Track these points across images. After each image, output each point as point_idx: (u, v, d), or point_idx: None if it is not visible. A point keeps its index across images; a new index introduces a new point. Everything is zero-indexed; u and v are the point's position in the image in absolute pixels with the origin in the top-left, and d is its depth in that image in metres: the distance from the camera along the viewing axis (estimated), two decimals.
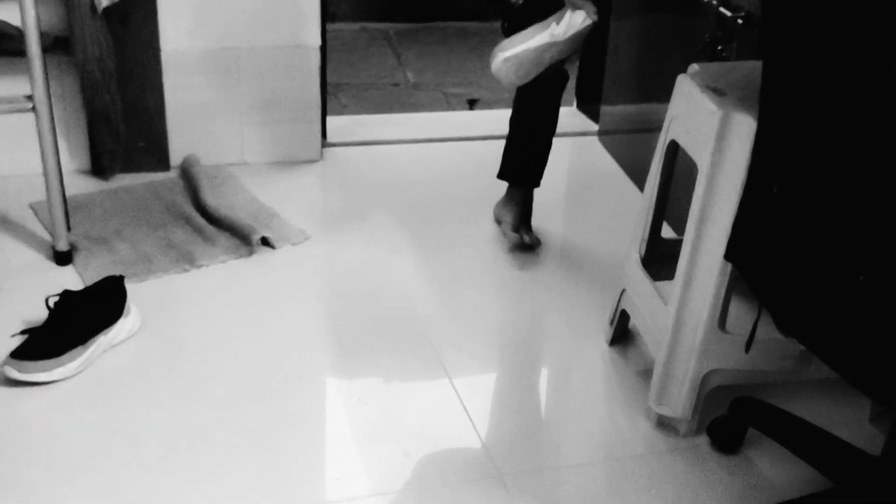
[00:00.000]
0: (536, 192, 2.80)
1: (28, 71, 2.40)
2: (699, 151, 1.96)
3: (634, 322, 2.28)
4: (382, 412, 2.15)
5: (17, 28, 2.63)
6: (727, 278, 1.94)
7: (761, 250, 1.70)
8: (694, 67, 2.10)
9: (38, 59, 2.40)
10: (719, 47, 2.48)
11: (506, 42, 2.48)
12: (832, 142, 1.51)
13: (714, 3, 2.48)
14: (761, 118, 1.71)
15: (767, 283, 1.68)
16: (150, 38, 2.91)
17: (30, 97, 2.43)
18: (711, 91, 1.97)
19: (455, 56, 4.61)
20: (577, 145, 3.40)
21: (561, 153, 3.34)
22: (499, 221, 2.80)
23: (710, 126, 1.92)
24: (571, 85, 3.65)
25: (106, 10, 2.77)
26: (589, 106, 3.54)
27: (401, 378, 2.27)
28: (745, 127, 1.86)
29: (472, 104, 4.13)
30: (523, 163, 2.75)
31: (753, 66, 1.87)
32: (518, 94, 2.69)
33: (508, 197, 2.78)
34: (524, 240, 2.72)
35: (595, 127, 3.46)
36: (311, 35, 3.06)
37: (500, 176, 2.78)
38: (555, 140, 3.36)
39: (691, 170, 1.98)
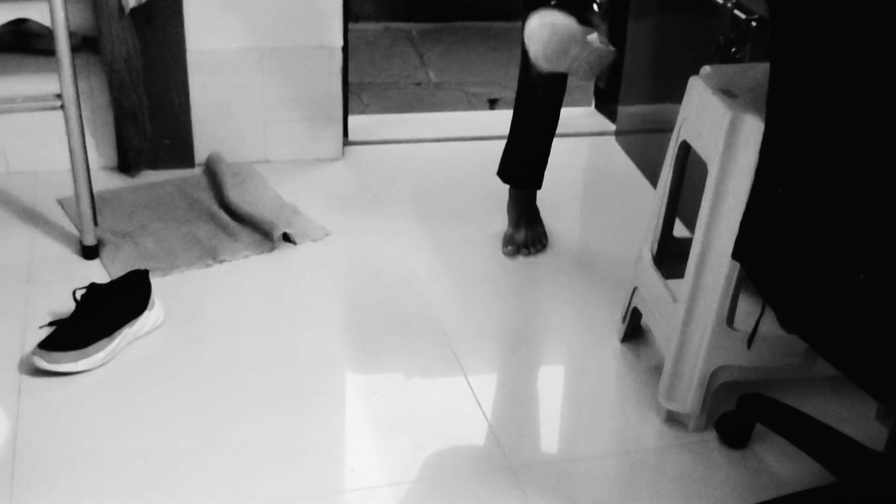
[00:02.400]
0: (552, 192, 2.84)
1: (57, 70, 2.46)
2: (709, 152, 2.01)
3: (646, 320, 2.32)
4: (397, 405, 2.21)
5: (46, 28, 2.69)
6: (735, 276, 1.99)
7: (766, 249, 1.74)
8: (706, 69, 2.14)
9: (66, 58, 2.46)
10: (733, 49, 2.51)
11: (545, 10, 2.48)
12: (835, 143, 1.54)
13: (728, 5, 2.52)
14: (768, 119, 1.75)
15: (771, 280, 1.72)
16: (176, 38, 2.97)
17: (59, 95, 2.50)
18: (722, 93, 2.01)
19: (477, 56, 4.65)
20: (594, 145, 3.44)
21: (578, 153, 3.39)
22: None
23: (719, 127, 1.96)
24: (589, 85, 3.70)
25: (133, 10, 2.83)
26: (606, 106, 3.58)
27: (416, 373, 2.32)
28: (754, 129, 1.90)
29: (492, 104, 4.18)
30: (522, 165, 2.79)
31: (765, 69, 1.89)
32: (519, 95, 2.72)
33: (511, 198, 2.83)
34: (508, 250, 2.77)
35: (612, 127, 3.50)
36: (334, 35, 3.11)
37: (500, 175, 2.82)
38: (572, 139, 3.42)
39: (704, 169, 2.02)
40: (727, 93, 2.01)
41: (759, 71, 2.13)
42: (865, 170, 1.49)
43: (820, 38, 1.55)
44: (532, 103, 2.70)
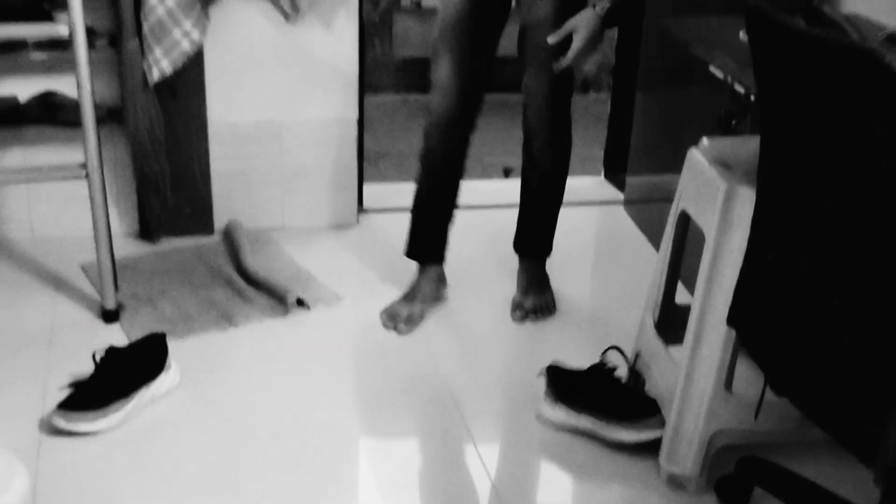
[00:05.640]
0: (562, 259, 2.91)
1: (83, 140, 2.56)
2: (706, 222, 2.07)
3: (648, 384, 2.37)
4: (406, 469, 2.26)
5: (73, 100, 2.80)
6: (733, 342, 2.04)
7: (757, 315, 1.80)
8: (704, 142, 2.22)
9: (92, 129, 2.56)
10: (733, 122, 2.59)
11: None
12: (819, 212, 1.61)
13: (729, 80, 2.60)
14: (759, 190, 1.83)
15: (763, 345, 1.78)
16: (198, 110, 3.08)
17: (83, 165, 2.59)
18: (719, 165, 2.08)
19: (492, 126, 4.73)
20: (603, 214, 3.52)
21: (588, 222, 3.47)
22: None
23: (715, 198, 2.03)
24: (598, 154, 3.79)
25: (157, 83, 2.94)
26: (616, 176, 3.66)
27: (425, 436, 2.37)
28: (748, 199, 1.97)
29: (507, 173, 4.26)
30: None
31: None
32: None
33: (520, 264, 2.91)
34: (516, 316, 2.84)
35: (621, 196, 3.58)
36: (350, 108, 3.22)
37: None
38: (582, 208, 3.49)
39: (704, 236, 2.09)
40: (724, 165, 2.08)
41: (755, 144, 2.19)
42: (846, 237, 1.55)
43: (803, 115, 1.62)
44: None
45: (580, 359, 2.58)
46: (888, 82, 1.35)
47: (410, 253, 2.86)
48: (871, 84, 1.41)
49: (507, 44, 2.73)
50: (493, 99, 5.27)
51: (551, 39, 2.52)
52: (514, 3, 2.63)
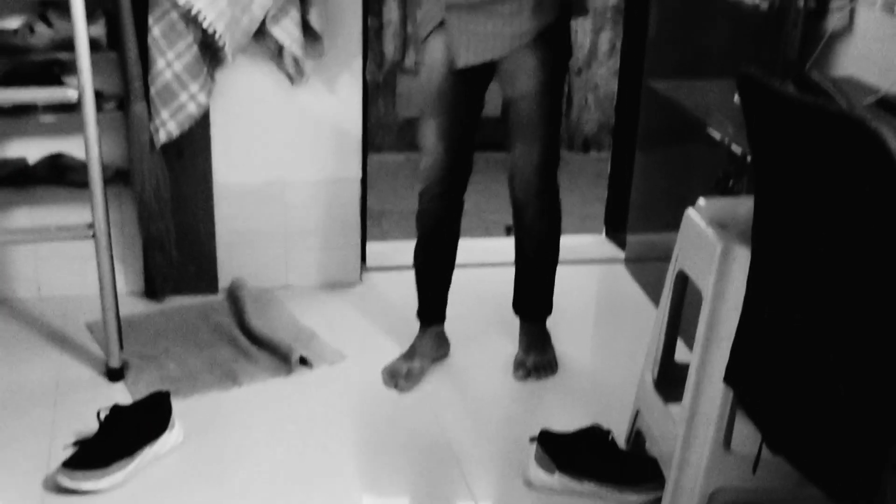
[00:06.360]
0: (563, 317, 2.93)
1: (90, 201, 2.61)
2: (703, 281, 2.10)
3: (649, 442, 2.38)
4: None
5: (81, 161, 2.85)
6: (731, 400, 2.06)
7: (753, 373, 1.83)
8: (700, 202, 2.25)
9: (99, 190, 2.60)
10: (731, 182, 2.63)
11: None
12: (812, 272, 1.64)
13: (726, 142, 2.64)
14: (754, 250, 1.86)
15: (758, 403, 1.80)
16: (204, 170, 3.13)
17: (90, 225, 2.63)
18: (715, 225, 2.11)
19: (494, 184, 4.77)
20: (604, 272, 3.55)
21: (589, 280, 3.50)
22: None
23: (712, 258, 2.06)
24: (600, 213, 3.83)
25: (164, 144, 2.99)
26: (617, 234, 3.70)
27: (427, 495, 2.38)
28: (744, 259, 1.99)
29: (509, 231, 4.29)
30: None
31: None
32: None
33: (521, 324, 2.93)
34: (518, 375, 2.86)
35: (622, 255, 3.61)
36: (353, 168, 3.27)
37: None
38: (584, 266, 3.52)
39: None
40: (720, 224, 2.11)
41: (750, 204, 2.23)
42: (838, 293, 1.58)
43: (794, 177, 1.66)
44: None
45: (582, 418, 2.60)
46: (875, 147, 1.39)
47: (417, 313, 2.90)
48: (858, 149, 1.45)
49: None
50: (495, 157, 5.31)
51: None
52: (495, 74, 2.65)
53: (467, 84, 2.65)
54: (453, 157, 2.71)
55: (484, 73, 2.65)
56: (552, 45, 2.60)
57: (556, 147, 2.73)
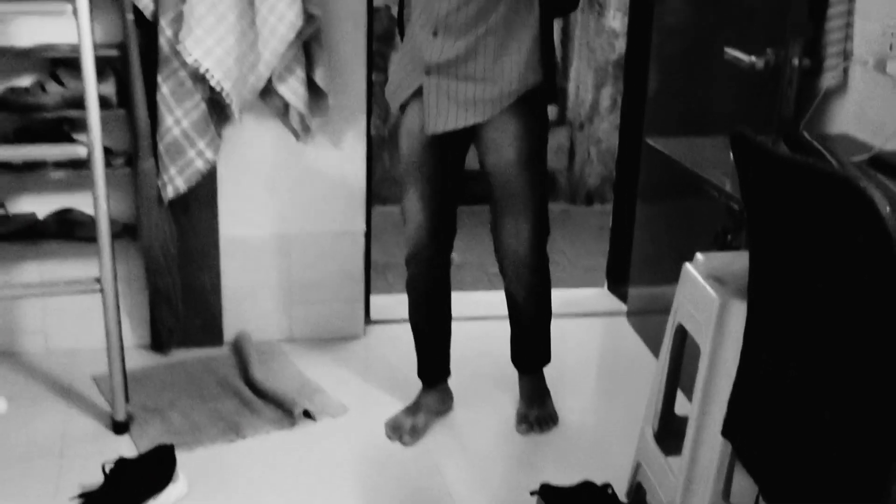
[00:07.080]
0: (564, 370, 2.95)
1: (98, 255, 2.65)
2: (702, 336, 2.13)
3: (650, 495, 2.40)
4: None
5: (89, 216, 2.89)
6: (729, 452, 2.08)
7: (750, 427, 1.85)
8: (698, 257, 2.29)
9: (107, 245, 2.65)
10: (729, 237, 2.67)
11: None
12: (806, 325, 1.67)
13: (724, 197, 2.68)
14: (750, 304, 1.89)
15: (755, 456, 1.82)
16: (211, 225, 3.17)
17: (98, 279, 2.67)
18: (712, 280, 2.15)
19: None
20: (606, 325, 3.57)
21: (590, 333, 3.52)
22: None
23: (710, 313, 2.09)
24: (601, 265, 3.86)
25: (171, 200, 3.04)
26: (618, 287, 3.72)
27: None
28: (741, 313, 2.02)
29: None
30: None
31: None
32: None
33: (520, 377, 2.94)
34: (521, 429, 2.87)
35: (624, 308, 3.63)
36: (358, 221, 3.31)
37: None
38: (585, 319, 3.54)
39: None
40: (717, 279, 2.15)
41: (747, 259, 2.27)
42: (833, 347, 1.60)
43: (787, 232, 1.70)
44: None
45: (583, 471, 2.61)
46: (863, 206, 1.43)
47: (418, 373, 2.92)
48: (847, 207, 1.48)
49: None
50: None
51: None
52: (473, 143, 2.65)
53: (446, 149, 2.65)
54: (437, 222, 2.71)
55: (464, 137, 2.64)
56: (534, 109, 2.59)
57: (546, 218, 2.73)
